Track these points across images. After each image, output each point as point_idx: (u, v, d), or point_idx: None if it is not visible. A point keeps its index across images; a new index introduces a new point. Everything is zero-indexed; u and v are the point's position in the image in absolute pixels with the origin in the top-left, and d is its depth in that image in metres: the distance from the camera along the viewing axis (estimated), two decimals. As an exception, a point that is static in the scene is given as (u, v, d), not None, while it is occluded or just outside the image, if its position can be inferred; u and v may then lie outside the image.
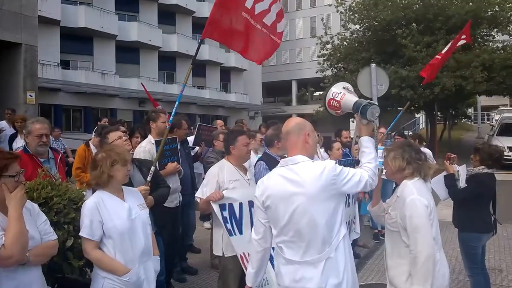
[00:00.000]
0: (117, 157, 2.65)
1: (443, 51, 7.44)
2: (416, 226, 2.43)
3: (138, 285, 2.60)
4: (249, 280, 2.54)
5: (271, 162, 3.63)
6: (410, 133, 23.03)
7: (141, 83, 12.90)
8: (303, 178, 2.23)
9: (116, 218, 2.58)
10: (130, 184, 3.28)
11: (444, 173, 4.07)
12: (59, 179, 3.17)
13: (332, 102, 2.68)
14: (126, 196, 2.74)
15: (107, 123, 10.43)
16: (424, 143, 7.03)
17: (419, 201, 2.46)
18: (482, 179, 3.87)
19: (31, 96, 8.84)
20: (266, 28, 3.89)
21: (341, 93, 2.64)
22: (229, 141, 3.56)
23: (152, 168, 3.42)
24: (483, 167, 3.91)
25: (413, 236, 2.44)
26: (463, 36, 7.05)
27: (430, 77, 7.51)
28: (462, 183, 3.92)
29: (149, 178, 3.42)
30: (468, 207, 3.88)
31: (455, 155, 4.20)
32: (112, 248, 2.56)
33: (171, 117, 3.94)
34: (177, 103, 3.71)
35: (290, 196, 2.24)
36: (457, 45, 7.36)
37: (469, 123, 31.89)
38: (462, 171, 3.95)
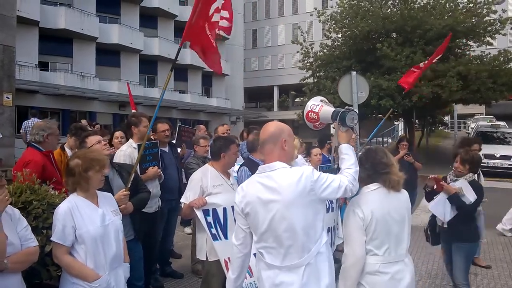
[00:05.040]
0: (91, 162, 2.61)
1: (421, 64, 7.71)
2: (346, 235, 2.52)
3: None
4: (229, 285, 2.53)
5: (253, 168, 3.65)
6: (390, 140, 23.50)
7: (127, 83, 12.82)
8: (280, 185, 2.24)
9: (89, 224, 2.54)
10: (109, 189, 3.26)
11: (441, 196, 3.96)
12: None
13: (311, 114, 2.74)
14: (100, 201, 2.71)
15: (86, 124, 10.36)
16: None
17: (353, 212, 2.49)
18: (479, 186, 3.94)
19: (8, 98, 8.61)
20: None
21: (319, 105, 2.71)
22: (222, 148, 3.58)
23: (133, 175, 3.39)
24: (471, 174, 3.97)
25: (345, 245, 2.54)
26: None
27: (409, 86, 7.74)
28: (472, 197, 3.83)
29: (128, 185, 3.39)
30: (472, 218, 3.91)
31: (437, 175, 4.18)
32: (84, 254, 2.52)
33: (152, 122, 3.94)
34: (157, 109, 3.72)
35: (268, 203, 2.25)
36: (435, 59, 7.63)
37: (446, 130, 32.64)
38: (464, 185, 3.86)
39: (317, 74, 18.77)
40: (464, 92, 15.22)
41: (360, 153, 2.93)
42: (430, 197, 4.19)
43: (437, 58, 7.53)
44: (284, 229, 2.22)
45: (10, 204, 2.45)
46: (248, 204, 2.32)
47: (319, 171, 2.37)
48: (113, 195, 3.12)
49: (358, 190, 2.50)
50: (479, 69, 15.15)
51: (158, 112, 3.68)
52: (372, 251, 2.46)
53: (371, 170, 2.55)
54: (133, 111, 8.06)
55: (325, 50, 18.66)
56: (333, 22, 17.96)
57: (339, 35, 18.42)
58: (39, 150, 3.94)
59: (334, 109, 2.63)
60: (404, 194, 2.62)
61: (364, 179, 2.56)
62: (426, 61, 7.64)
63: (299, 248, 2.23)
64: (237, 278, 2.50)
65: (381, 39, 16.14)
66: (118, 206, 3.14)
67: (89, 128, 9.91)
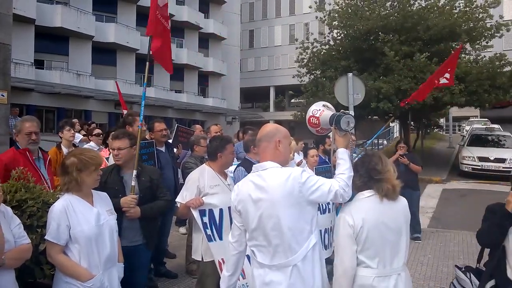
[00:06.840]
0: (87, 162, 2.59)
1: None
2: (336, 244, 2.41)
3: None
4: (223, 283, 2.54)
5: (250, 168, 3.65)
6: (385, 142, 23.57)
7: (115, 82, 12.83)
8: (268, 184, 2.28)
9: (84, 223, 2.53)
10: (122, 189, 3.32)
11: None
12: (48, 180, 3.15)
13: (312, 120, 2.75)
14: (95, 200, 2.70)
15: (78, 123, 10.33)
16: None
17: (343, 220, 2.34)
18: None
19: (3, 95, 8.55)
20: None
21: (320, 110, 2.72)
22: (218, 148, 3.57)
23: (134, 172, 3.38)
24: None
25: (335, 254, 2.43)
26: (447, 75, 6.61)
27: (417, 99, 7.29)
28: None
29: (133, 183, 3.36)
30: None
31: None
32: (78, 253, 2.51)
33: (140, 118, 3.94)
34: (142, 106, 3.73)
35: (257, 201, 2.29)
36: (440, 82, 6.83)
37: (441, 133, 32.78)
38: None
39: (314, 72, 18.74)
40: (462, 93, 15.25)
41: (356, 159, 2.83)
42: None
43: (441, 82, 6.86)
44: (271, 228, 2.26)
45: (4, 202, 2.44)
46: (240, 202, 2.38)
47: (316, 172, 2.38)
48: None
49: (353, 197, 2.42)
50: (479, 71, 15.18)
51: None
52: (365, 262, 2.32)
53: (366, 177, 2.44)
54: (124, 111, 8.02)
55: (322, 47, 18.61)
56: (330, 19, 17.92)
57: (335, 34, 18.41)
58: (17, 148, 3.84)
59: (332, 113, 2.63)
60: (402, 203, 2.46)
61: (360, 186, 2.45)
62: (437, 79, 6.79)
63: (286, 247, 2.25)
64: (231, 276, 2.52)
65: (379, 38, 16.12)
66: (122, 207, 3.16)
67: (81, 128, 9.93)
